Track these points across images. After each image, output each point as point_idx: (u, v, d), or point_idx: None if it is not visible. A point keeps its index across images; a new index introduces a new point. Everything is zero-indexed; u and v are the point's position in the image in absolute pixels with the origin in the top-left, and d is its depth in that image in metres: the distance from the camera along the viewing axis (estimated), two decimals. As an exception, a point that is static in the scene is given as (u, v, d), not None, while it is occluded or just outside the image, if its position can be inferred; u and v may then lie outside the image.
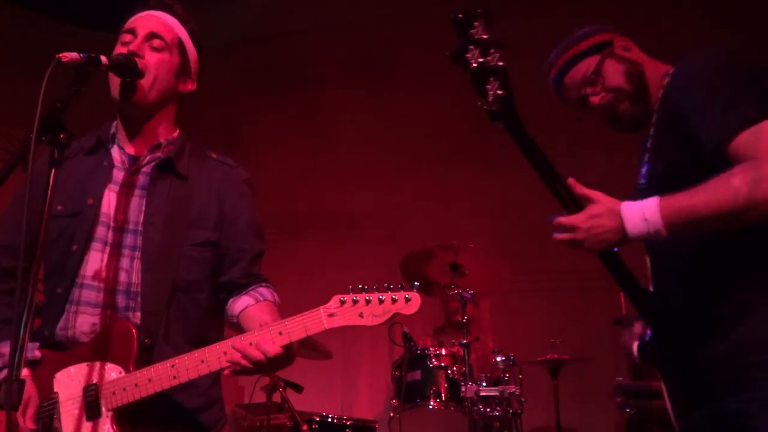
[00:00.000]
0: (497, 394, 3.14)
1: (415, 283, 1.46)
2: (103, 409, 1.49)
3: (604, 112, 1.77)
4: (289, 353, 1.49)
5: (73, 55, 1.42)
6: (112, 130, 1.76)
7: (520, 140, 1.55)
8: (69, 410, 1.51)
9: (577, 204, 1.54)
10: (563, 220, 1.55)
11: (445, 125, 5.16)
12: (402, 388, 3.30)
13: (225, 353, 1.46)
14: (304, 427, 3.13)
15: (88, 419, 1.49)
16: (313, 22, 5.55)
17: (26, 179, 1.31)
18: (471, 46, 1.51)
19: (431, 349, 3.38)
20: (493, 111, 1.51)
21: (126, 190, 1.67)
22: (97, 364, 1.52)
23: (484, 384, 3.19)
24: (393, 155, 5.28)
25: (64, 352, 1.57)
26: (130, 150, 1.73)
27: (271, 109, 5.62)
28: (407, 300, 1.44)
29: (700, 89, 1.54)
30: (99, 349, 1.53)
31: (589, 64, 1.77)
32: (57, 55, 1.38)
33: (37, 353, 1.58)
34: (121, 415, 1.49)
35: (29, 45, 4.83)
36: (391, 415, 3.27)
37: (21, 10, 5.13)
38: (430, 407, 3.22)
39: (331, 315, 1.45)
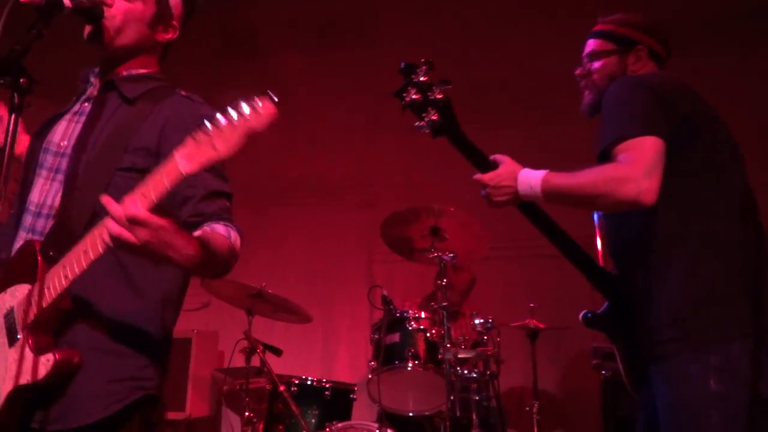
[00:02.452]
0: (475, 356, 3.17)
1: (269, 92, 1.23)
2: (19, 330, 1.44)
3: (579, 84, 2.13)
4: (188, 245, 1.35)
5: (34, -5, 1.36)
6: (93, 69, 1.75)
7: (463, 150, 2.01)
8: None
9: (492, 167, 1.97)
10: (477, 177, 1.98)
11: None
12: (381, 351, 3.30)
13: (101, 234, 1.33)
14: (281, 388, 3.13)
15: (10, 345, 1.45)
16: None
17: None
18: (410, 88, 1.97)
19: (410, 312, 3.39)
20: (426, 132, 1.99)
21: (75, 117, 1.67)
22: (11, 289, 1.49)
23: (462, 346, 3.21)
24: (371, 121, 5.21)
25: None
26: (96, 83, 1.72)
27: (240, 75, 5.48)
28: (257, 112, 1.21)
29: (605, 107, 1.91)
30: (11, 274, 1.51)
31: (600, 46, 2.07)
32: (15, -5, 1.32)
33: None
34: (36, 330, 1.42)
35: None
36: (370, 377, 3.28)
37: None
38: (409, 369, 3.23)
39: (186, 157, 1.25)
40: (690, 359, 1.69)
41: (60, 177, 1.59)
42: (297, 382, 3.38)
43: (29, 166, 1.66)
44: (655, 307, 1.78)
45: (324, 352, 4.91)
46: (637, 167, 1.72)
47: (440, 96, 1.96)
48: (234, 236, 1.55)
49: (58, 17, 1.43)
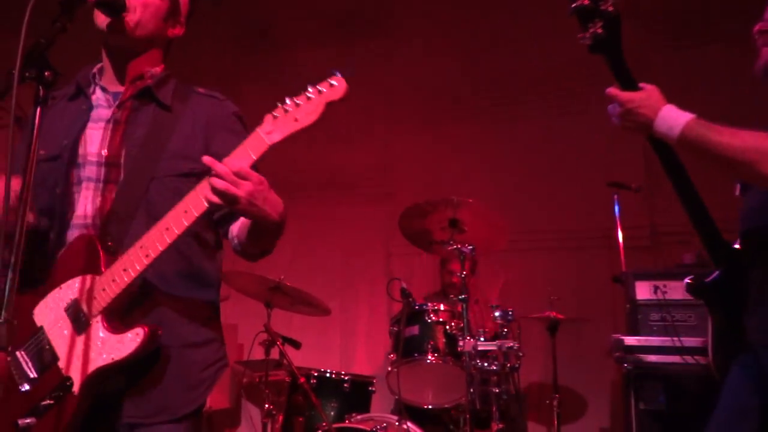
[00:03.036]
0: (495, 348, 3.15)
1: (335, 71, 1.43)
2: (91, 316, 1.48)
3: (757, 42, 1.88)
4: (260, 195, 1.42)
5: (56, -12, 1.37)
6: (93, 71, 1.74)
7: (617, 72, 1.80)
8: (58, 334, 1.51)
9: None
10: (614, 90, 1.79)
11: (442, 81, 5.07)
12: (400, 343, 3.30)
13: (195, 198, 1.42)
14: (301, 380, 3.14)
15: (79, 333, 1.48)
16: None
17: (10, 117, 1.27)
18: None
19: (429, 304, 3.38)
20: (588, 45, 1.80)
21: (112, 125, 1.65)
22: (70, 282, 1.52)
23: (482, 339, 3.20)
24: (390, 113, 5.20)
25: (35, 289, 1.56)
26: (113, 88, 1.70)
27: (256, 68, 5.48)
28: (332, 85, 1.40)
29: None
30: (67, 269, 1.53)
31: None
32: (39, -12, 1.32)
33: None
34: (110, 314, 1.48)
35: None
36: (389, 369, 3.28)
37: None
38: (428, 361, 3.22)
39: (269, 132, 1.41)
40: None
41: (110, 187, 1.59)
42: (316, 374, 3.40)
43: (47, 177, 1.62)
44: None
45: (343, 344, 4.92)
46: None
47: (611, 9, 1.78)
48: None
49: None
